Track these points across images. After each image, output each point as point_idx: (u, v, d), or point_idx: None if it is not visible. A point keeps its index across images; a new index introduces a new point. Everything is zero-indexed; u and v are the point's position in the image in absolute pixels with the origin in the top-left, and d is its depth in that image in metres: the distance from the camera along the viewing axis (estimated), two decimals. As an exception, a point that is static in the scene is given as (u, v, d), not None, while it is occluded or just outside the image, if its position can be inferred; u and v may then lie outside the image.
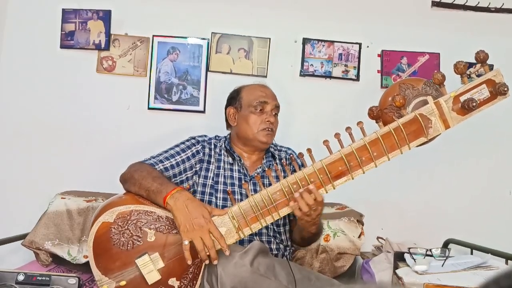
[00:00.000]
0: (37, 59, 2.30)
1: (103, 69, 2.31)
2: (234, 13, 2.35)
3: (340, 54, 2.34)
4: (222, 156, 1.76)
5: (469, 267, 1.49)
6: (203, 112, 2.29)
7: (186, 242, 1.36)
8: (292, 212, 1.43)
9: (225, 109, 1.85)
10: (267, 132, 1.72)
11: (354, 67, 2.34)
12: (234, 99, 1.83)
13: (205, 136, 1.81)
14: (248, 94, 1.78)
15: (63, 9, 2.29)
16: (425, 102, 1.39)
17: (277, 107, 1.78)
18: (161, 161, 1.64)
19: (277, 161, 1.81)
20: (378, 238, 2.17)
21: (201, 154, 1.73)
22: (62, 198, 2.05)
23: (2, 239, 1.85)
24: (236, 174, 1.73)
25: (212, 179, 1.71)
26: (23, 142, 2.29)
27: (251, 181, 1.73)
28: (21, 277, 1.29)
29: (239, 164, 1.76)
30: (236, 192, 1.69)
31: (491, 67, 1.38)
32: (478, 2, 2.34)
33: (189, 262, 1.37)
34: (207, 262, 1.38)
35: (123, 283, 1.38)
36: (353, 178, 1.40)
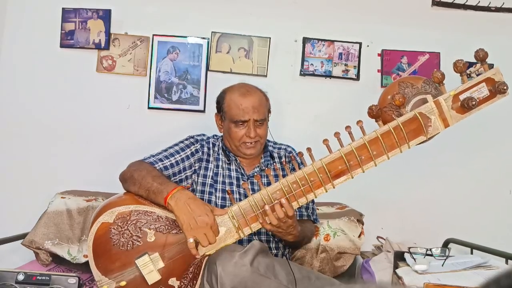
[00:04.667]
0: (37, 58, 2.30)
1: (103, 68, 2.31)
2: (234, 13, 2.34)
3: (340, 54, 2.34)
4: (220, 155, 1.76)
5: (469, 266, 1.49)
6: (203, 111, 2.29)
7: (191, 240, 1.36)
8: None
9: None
10: (249, 146, 1.71)
11: (354, 66, 2.34)
12: (219, 105, 1.79)
13: (204, 135, 1.81)
14: (229, 107, 1.72)
15: (63, 8, 2.29)
16: (425, 101, 1.39)
17: (258, 120, 1.70)
18: (160, 160, 1.64)
19: (276, 160, 1.81)
20: (378, 237, 2.17)
21: (200, 153, 1.73)
22: (62, 197, 2.05)
23: (2, 238, 1.85)
24: (233, 174, 1.74)
25: (212, 178, 1.71)
26: (23, 141, 2.29)
27: (249, 181, 1.73)
28: (21, 277, 1.29)
29: (236, 164, 1.76)
30: (235, 191, 1.69)
31: (491, 67, 1.38)
32: (479, 2, 2.34)
33: (198, 257, 1.38)
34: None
35: (123, 283, 1.38)
36: (353, 177, 1.40)
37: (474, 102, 1.33)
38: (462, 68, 1.35)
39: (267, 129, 1.78)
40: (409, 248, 1.58)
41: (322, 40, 2.33)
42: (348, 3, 2.37)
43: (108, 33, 2.29)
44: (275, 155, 1.82)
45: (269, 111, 1.82)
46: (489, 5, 2.34)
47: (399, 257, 1.63)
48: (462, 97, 1.36)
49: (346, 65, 2.34)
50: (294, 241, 1.61)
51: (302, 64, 2.34)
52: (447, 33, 2.35)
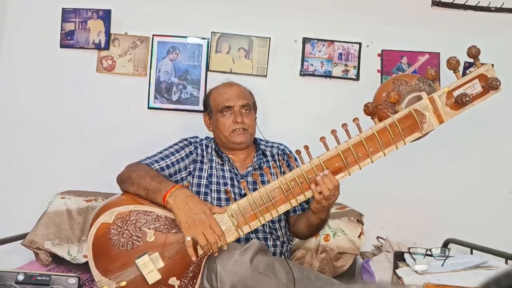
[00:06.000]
0: (37, 59, 2.30)
1: (103, 68, 2.31)
2: (234, 13, 2.34)
3: (340, 54, 2.34)
4: (213, 156, 1.77)
5: (469, 266, 1.49)
6: (203, 111, 2.29)
7: (189, 238, 1.36)
8: (291, 208, 1.44)
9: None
10: (239, 133, 1.73)
11: (354, 66, 2.34)
12: (205, 105, 1.86)
13: (196, 137, 1.83)
14: (214, 99, 1.79)
15: (63, 9, 2.29)
16: (419, 98, 1.41)
17: (244, 105, 1.76)
18: (156, 161, 1.65)
19: (269, 158, 1.81)
20: (378, 237, 2.17)
21: (194, 154, 1.75)
22: (62, 197, 2.05)
23: (2, 239, 1.85)
24: (227, 174, 1.75)
25: (206, 179, 1.72)
26: (23, 142, 2.29)
27: (243, 180, 1.73)
28: (21, 277, 1.29)
29: (229, 164, 1.77)
30: (230, 192, 1.70)
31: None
32: (478, 2, 2.34)
33: (194, 259, 1.38)
34: (209, 253, 1.39)
35: (123, 283, 1.38)
36: (350, 174, 1.41)
37: (467, 98, 1.35)
38: (456, 65, 1.37)
39: (255, 122, 1.82)
40: (409, 248, 1.58)
41: (322, 40, 2.33)
42: (348, 3, 2.37)
43: (108, 33, 2.29)
44: (268, 153, 1.83)
45: (255, 107, 1.85)
46: (489, 5, 2.34)
47: (399, 257, 1.63)
48: (455, 93, 1.38)
49: (346, 65, 2.34)
50: (323, 218, 1.61)
51: (302, 64, 2.34)
52: (447, 33, 2.35)
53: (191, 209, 1.39)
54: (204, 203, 1.43)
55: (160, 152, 1.71)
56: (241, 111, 1.75)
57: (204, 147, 1.79)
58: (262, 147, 1.85)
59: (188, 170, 1.72)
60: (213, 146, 1.80)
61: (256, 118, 1.85)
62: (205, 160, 1.76)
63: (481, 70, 1.39)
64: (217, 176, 1.73)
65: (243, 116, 1.74)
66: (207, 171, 1.74)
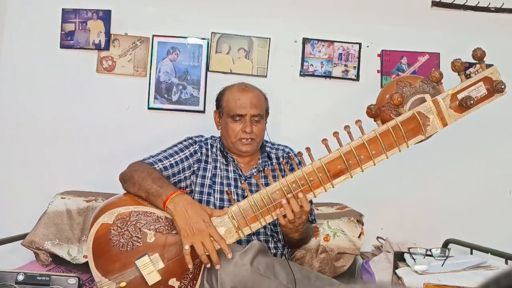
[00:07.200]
0: (37, 59, 2.30)
1: (103, 69, 2.31)
2: (234, 13, 2.35)
3: (340, 54, 2.34)
4: (218, 156, 1.77)
5: (469, 267, 1.49)
6: (203, 112, 2.29)
7: (187, 247, 1.36)
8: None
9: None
10: (245, 142, 1.72)
11: (354, 67, 2.34)
12: (218, 102, 1.83)
13: (202, 136, 1.82)
14: (228, 101, 1.76)
15: (63, 9, 2.29)
16: (423, 100, 1.39)
17: (256, 115, 1.73)
18: (160, 160, 1.64)
19: (274, 161, 1.81)
20: (378, 238, 2.17)
21: (199, 154, 1.74)
22: (62, 198, 2.05)
23: (2, 239, 1.85)
24: (231, 175, 1.74)
25: (210, 179, 1.72)
26: (23, 142, 2.29)
27: (246, 181, 1.73)
28: (21, 277, 1.29)
29: (234, 164, 1.76)
30: (233, 192, 1.70)
31: (490, 66, 1.38)
32: (478, 2, 2.34)
33: (190, 267, 1.38)
34: (208, 265, 1.38)
35: (123, 284, 1.38)
36: (352, 177, 1.40)
37: (472, 101, 1.33)
38: (460, 67, 1.35)
39: (265, 129, 1.79)
40: (409, 248, 1.58)
41: (322, 40, 2.33)
42: (348, 3, 2.37)
43: (108, 34, 2.29)
44: (273, 155, 1.83)
45: (267, 112, 1.83)
46: (489, 6, 2.34)
47: (399, 257, 1.63)
48: (460, 96, 1.37)
49: (346, 65, 2.34)
50: (299, 238, 1.62)
51: (302, 65, 2.34)
52: (446, 34, 2.36)
53: (191, 217, 1.38)
54: (203, 211, 1.41)
55: (164, 151, 1.70)
56: (251, 120, 1.72)
57: (209, 146, 1.78)
58: (268, 149, 1.84)
59: (192, 169, 1.72)
60: (218, 146, 1.80)
61: (266, 122, 1.82)
62: (209, 160, 1.76)
63: (486, 72, 1.37)
64: (221, 177, 1.73)
65: (253, 126, 1.72)
66: (211, 171, 1.74)
